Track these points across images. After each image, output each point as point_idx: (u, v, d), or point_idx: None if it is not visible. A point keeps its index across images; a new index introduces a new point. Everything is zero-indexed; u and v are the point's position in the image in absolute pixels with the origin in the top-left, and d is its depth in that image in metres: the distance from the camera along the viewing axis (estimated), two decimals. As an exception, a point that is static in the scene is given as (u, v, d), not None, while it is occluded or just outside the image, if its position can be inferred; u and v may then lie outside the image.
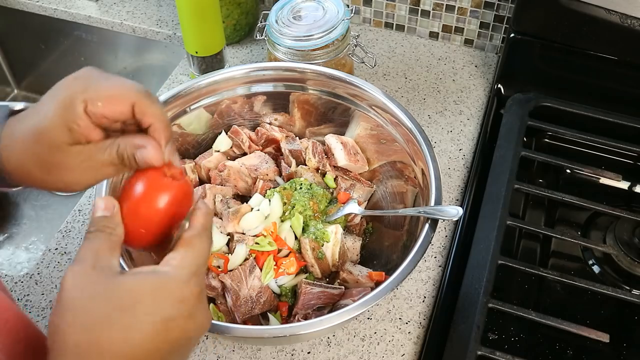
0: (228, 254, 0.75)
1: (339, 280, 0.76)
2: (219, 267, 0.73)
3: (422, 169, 0.73)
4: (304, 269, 0.76)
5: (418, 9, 1.09)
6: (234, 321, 0.72)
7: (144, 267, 0.43)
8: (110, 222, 0.45)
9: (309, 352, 0.74)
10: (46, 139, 0.46)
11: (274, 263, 0.74)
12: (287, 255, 0.75)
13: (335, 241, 0.76)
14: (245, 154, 0.87)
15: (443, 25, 1.09)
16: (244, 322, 0.72)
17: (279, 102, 0.86)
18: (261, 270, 0.73)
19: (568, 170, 0.92)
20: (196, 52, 0.98)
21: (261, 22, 0.92)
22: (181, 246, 0.45)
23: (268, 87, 0.84)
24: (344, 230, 0.79)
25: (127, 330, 0.40)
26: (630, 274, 0.80)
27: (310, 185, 0.80)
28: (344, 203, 0.81)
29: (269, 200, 0.78)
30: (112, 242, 0.44)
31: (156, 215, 0.48)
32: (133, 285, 0.41)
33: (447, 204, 0.86)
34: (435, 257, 0.82)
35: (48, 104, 0.47)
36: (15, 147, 0.49)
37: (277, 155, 0.88)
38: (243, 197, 0.83)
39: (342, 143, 0.84)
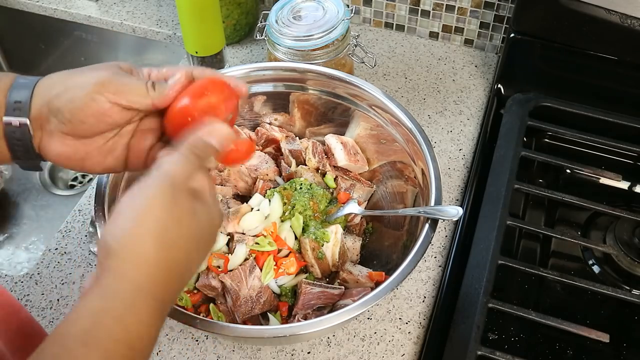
0: (228, 254, 0.75)
1: (339, 280, 0.76)
2: (219, 267, 0.73)
3: (422, 169, 0.73)
4: (304, 269, 0.76)
5: (418, 9, 1.09)
6: (234, 321, 0.72)
7: None
8: (209, 153, 0.49)
9: (309, 352, 0.74)
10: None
11: (274, 263, 0.74)
12: (287, 256, 0.75)
13: (335, 241, 0.76)
14: (245, 154, 0.86)
15: (443, 25, 1.09)
16: (244, 322, 0.72)
17: (279, 102, 0.86)
18: (261, 270, 0.73)
19: (568, 170, 0.92)
20: (196, 52, 0.98)
21: (261, 22, 0.92)
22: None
23: (268, 87, 0.84)
24: (344, 230, 0.79)
25: (165, 239, 0.44)
26: (630, 274, 0.80)
27: (310, 185, 0.80)
28: (344, 203, 0.81)
29: (269, 200, 0.78)
30: (193, 168, 0.47)
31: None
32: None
33: (447, 204, 0.86)
34: (435, 257, 0.82)
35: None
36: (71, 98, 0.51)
37: (277, 155, 0.88)
38: (243, 197, 0.83)
39: (342, 143, 0.84)
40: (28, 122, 0.50)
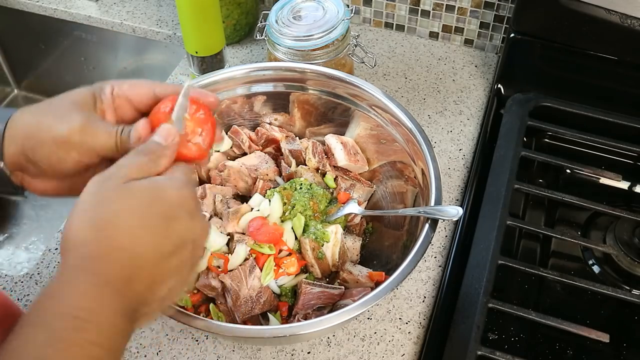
0: (228, 254, 0.75)
1: (339, 280, 0.76)
2: (219, 267, 0.73)
3: (422, 169, 0.73)
4: (304, 269, 0.76)
5: (418, 9, 1.09)
6: (234, 321, 0.72)
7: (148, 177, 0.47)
8: (158, 150, 0.48)
9: (309, 352, 0.74)
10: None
11: (274, 264, 0.74)
12: (287, 256, 0.75)
13: (335, 241, 0.76)
14: (245, 154, 0.87)
15: (443, 25, 1.09)
16: (244, 322, 0.72)
17: (279, 102, 0.86)
18: (261, 270, 0.73)
19: (568, 170, 0.92)
20: (196, 52, 0.98)
21: (261, 22, 0.92)
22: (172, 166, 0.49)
23: (268, 87, 0.84)
24: (344, 230, 0.79)
25: (132, 228, 0.43)
26: (630, 274, 0.80)
27: (310, 185, 0.80)
28: (344, 203, 0.81)
29: (269, 200, 0.78)
30: (147, 167, 0.47)
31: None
32: (139, 188, 0.45)
33: (447, 204, 0.86)
34: (435, 257, 0.82)
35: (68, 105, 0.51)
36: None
37: (277, 155, 0.88)
38: (243, 197, 0.83)
39: (342, 143, 0.84)
40: (2, 164, 0.51)
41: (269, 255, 0.74)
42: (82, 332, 0.40)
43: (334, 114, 0.85)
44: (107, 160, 0.53)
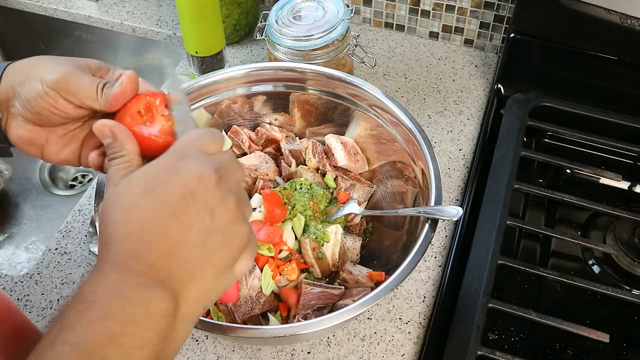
0: (228, 254, 0.75)
1: (339, 280, 0.76)
2: (219, 267, 0.73)
3: (422, 169, 0.73)
4: (303, 269, 0.76)
5: (418, 9, 1.09)
6: (234, 321, 0.72)
7: None
8: (116, 146, 0.48)
9: (309, 352, 0.74)
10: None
11: (272, 272, 0.73)
12: (287, 257, 0.75)
13: (335, 241, 0.76)
14: (245, 154, 0.87)
15: (443, 25, 1.09)
16: (244, 322, 0.72)
17: (279, 102, 0.86)
18: (261, 270, 0.73)
19: (568, 170, 0.92)
20: (196, 52, 0.98)
21: (261, 22, 0.92)
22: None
23: (268, 87, 0.84)
24: (344, 230, 0.79)
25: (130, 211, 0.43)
26: (630, 274, 0.80)
27: (310, 185, 0.80)
28: (344, 203, 0.81)
29: (269, 200, 0.78)
30: (127, 163, 0.47)
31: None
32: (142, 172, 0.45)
33: (447, 204, 0.86)
34: (435, 257, 0.82)
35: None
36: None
37: (277, 155, 0.88)
38: (243, 197, 0.83)
39: (342, 143, 0.84)
40: None
41: (268, 258, 0.73)
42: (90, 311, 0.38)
43: (334, 114, 0.85)
44: (86, 121, 0.54)
